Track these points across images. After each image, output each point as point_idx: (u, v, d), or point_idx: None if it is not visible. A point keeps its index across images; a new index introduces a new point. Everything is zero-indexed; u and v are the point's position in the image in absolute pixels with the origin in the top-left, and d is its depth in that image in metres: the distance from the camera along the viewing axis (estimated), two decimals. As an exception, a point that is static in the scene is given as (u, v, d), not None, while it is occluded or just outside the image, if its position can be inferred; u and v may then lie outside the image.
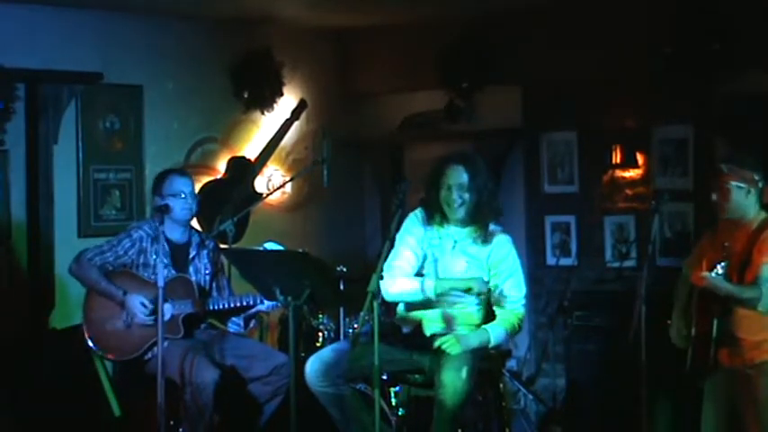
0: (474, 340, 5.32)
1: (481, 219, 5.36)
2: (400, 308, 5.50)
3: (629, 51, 7.33)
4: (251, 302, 5.95)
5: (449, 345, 5.25)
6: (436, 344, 5.28)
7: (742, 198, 5.26)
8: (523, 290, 5.45)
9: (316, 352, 6.41)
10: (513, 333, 5.47)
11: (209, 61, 8.02)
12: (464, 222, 5.38)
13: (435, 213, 5.41)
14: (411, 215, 5.49)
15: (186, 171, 6.21)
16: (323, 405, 5.40)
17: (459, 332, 5.34)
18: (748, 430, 5.26)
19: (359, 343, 5.30)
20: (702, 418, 5.43)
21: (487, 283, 5.32)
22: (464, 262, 5.39)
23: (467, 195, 5.32)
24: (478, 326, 5.41)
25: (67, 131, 7.38)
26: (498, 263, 5.39)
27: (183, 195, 5.94)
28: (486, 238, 5.39)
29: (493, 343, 5.38)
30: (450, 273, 5.39)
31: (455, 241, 5.40)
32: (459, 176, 5.33)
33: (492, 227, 5.42)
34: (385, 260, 5.03)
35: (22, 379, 6.39)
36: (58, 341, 6.69)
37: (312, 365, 5.37)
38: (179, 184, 5.98)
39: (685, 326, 5.36)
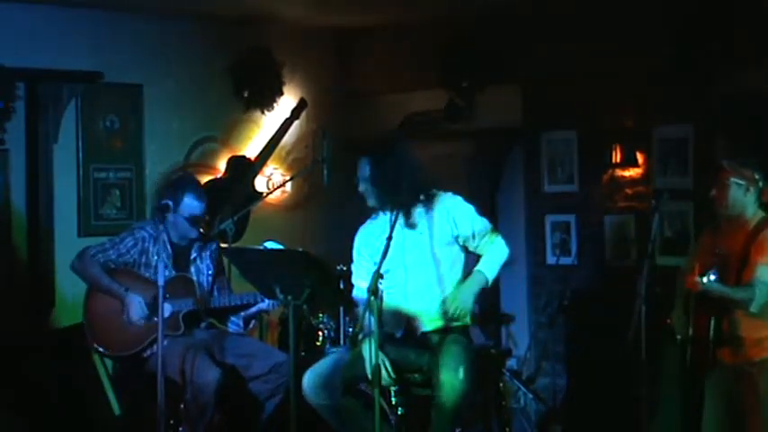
0: (474, 287, 5.35)
1: (399, 202, 5.31)
2: (388, 304, 5.33)
3: (629, 51, 7.33)
4: (251, 300, 5.96)
5: (460, 311, 5.29)
6: (451, 310, 5.30)
7: (740, 195, 5.28)
8: (488, 224, 5.47)
9: (315, 351, 6.46)
10: (505, 260, 5.49)
11: (210, 61, 8.01)
12: (398, 208, 5.33)
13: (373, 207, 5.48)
14: (359, 230, 5.61)
15: (202, 191, 6.14)
16: (323, 417, 5.41)
17: (456, 291, 5.34)
18: (750, 428, 5.27)
19: (358, 343, 5.32)
20: (704, 416, 5.44)
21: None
22: (420, 238, 5.40)
23: (370, 187, 5.40)
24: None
25: (67, 131, 7.38)
26: (455, 221, 5.41)
27: (195, 219, 5.95)
28: (426, 206, 5.41)
29: (491, 280, 5.40)
30: (414, 256, 5.40)
31: (401, 226, 5.37)
32: (362, 169, 5.44)
33: (430, 191, 5.45)
34: (384, 259, 5.03)
35: (23, 378, 6.39)
36: (58, 340, 6.69)
37: (309, 380, 5.39)
38: (195, 209, 5.97)
39: (685, 314, 5.38)
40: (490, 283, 5.43)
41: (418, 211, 5.41)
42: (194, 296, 5.94)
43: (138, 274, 5.94)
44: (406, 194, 5.34)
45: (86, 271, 5.94)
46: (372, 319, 4.95)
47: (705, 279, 5.06)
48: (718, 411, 5.40)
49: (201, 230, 6.14)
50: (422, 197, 5.41)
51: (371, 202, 5.44)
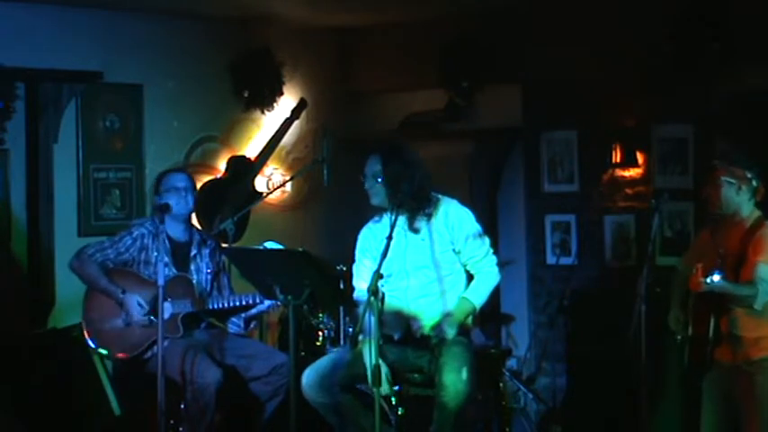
0: (460, 316, 5.34)
1: (405, 205, 5.32)
2: (387, 306, 5.28)
3: (630, 51, 7.34)
4: (251, 301, 5.95)
5: (442, 335, 5.28)
6: (434, 335, 5.31)
7: (732, 194, 5.28)
8: (485, 243, 5.44)
9: (315, 351, 6.46)
10: (495, 286, 5.47)
11: (210, 60, 8.01)
12: (397, 210, 5.29)
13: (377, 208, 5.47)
14: (362, 229, 5.60)
15: (183, 168, 6.23)
16: (322, 415, 5.41)
17: (442, 319, 5.33)
18: (748, 427, 5.26)
19: (358, 343, 5.32)
20: (701, 415, 5.44)
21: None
22: (422, 243, 5.39)
23: (378, 184, 5.37)
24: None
25: (67, 131, 7.37)
26: (453, 228, 5.39)
27: (177, 190, 5.96)
28: (429, 212, 5.39)
29: (478, 307, 5.40)
30: (416, 259, 5.39)
31: (404, 230, 5.39)
32: (372, 166, 5.42)
33: (433, 197, 5.43)
34: (384, 258, 5.03)
35: (23, 378, 6.39)
36: (57, 341, 6.69)
37: (308, 377, 5.39)
38: (174, 179, 6.02)
39: (683, 314, 5.38)
40: (477, 310, 5.43)
41: (421, 216, 5.40)
42: (193, 297, 5.93)
43: (137, 274, 5.94)
44: (414, 197, 5.33)
45: (84, 270, 5.93)
46: (372, 319, 4.95)
47: (709, 280, 5.05)
48: (716, 411, 5.40)
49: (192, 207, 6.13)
50: (427, 202, 5.40)
51: (376, 200, 5.42)
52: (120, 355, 5.94)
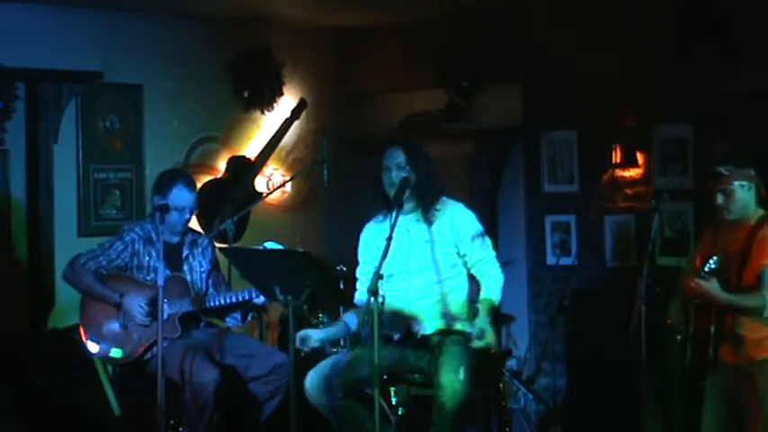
0: (489, 317, 5.31)
1: (425, 199, 5.37)
2: (388, 306, 5.21)
3: (629, 51, 7.34)
4: (247, 297, 5.93)
5: (487, 339, 5.25)
6: (480, 343, 5.25)
7: (745, 195, 5.26)
8: (489, 245, 5.47)
9: (315, 351, 6.45)
10: (503, 285, 5.49)
11: (210, 60, 8.02)
12: (410, 207, 5.34)
13: (383, 206, 5.44)
14: (364, 229, 5.58)
15: (193, 182, 6.09)
16: (324, 417, 5.41)
17: (474, 324, 5.32)
18: (751, 428, 5.26)
19: (358, 343, 5.31)
20: (703, 415, 5.43)
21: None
22: (425, 245, 5.39)
23: (406, 172, 5.35)
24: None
25: (67, 131, 7.37)
26: (459, 231, 5.40)
27: (185, 210, 5.93)
28: (436, 211, 5.40)
29: (497, 303, 5.41)
30: (418, 260, 5.39)
31: (408, 230, 5.40)
32: (394, 158, 5.39)
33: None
34: (384, 259, 5.03)
35: (23, 379, 6.40)
36: (57, 341, 6.69)
37: (311, 380, 5.36)
38: (185, 199, 5.92)
39: (683, 307, 5.37)
40: (497, 306, 5.43)
41: (426, 217, 5.40)
42: (189, 296, 5.92)
43: (131, 277, 5.92)
44: (436, 187, 5.39)
45: (79, 280, 5.90)
46: (372, 320, 4.94)
47: (707, 267, 5.05)
48: (718, 411, 5.39)
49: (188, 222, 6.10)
50: (437, 200, 5.42)
51: (401, 193, 5.32)
52: (120, 359, 5.94)
